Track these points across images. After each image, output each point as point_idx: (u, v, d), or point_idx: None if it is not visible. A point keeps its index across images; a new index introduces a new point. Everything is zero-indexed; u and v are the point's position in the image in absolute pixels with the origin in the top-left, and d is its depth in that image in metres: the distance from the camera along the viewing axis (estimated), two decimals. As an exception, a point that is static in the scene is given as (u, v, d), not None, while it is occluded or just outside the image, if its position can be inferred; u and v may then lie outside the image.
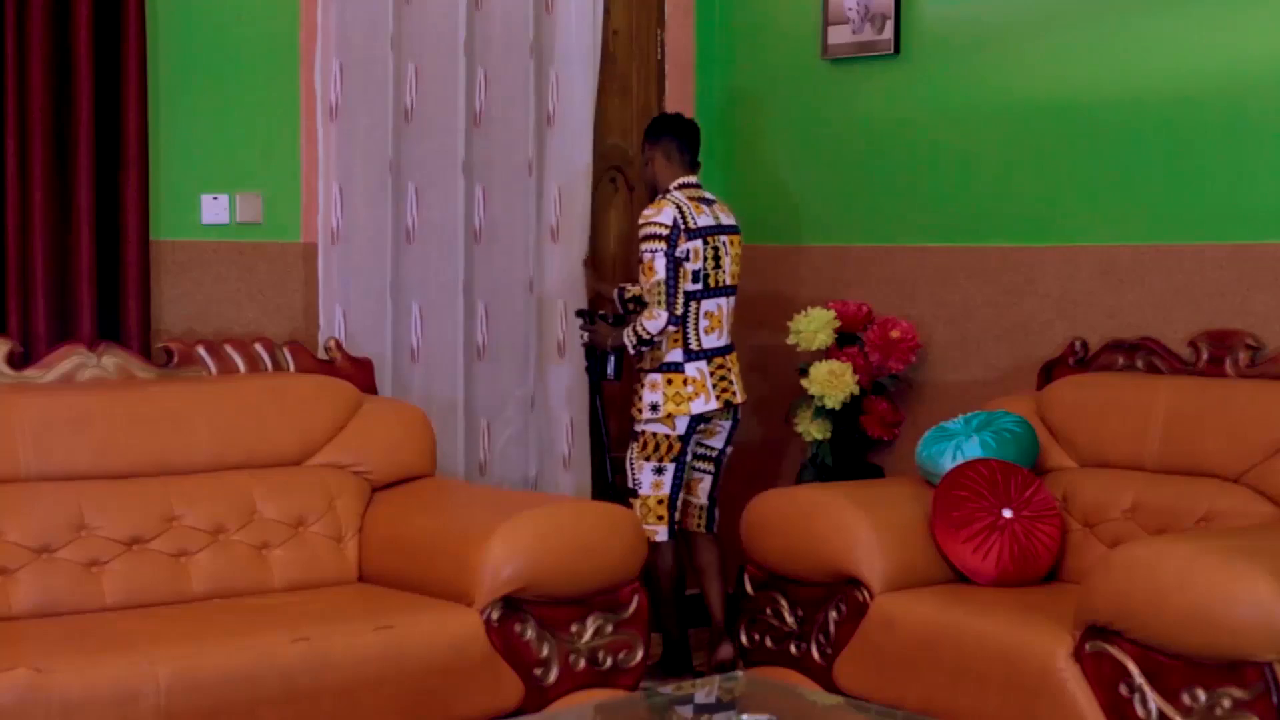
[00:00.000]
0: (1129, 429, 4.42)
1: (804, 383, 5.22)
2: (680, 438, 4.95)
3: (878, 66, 5.42)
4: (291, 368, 4.66)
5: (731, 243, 5.03)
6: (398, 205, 5.05)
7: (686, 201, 4.93)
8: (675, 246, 4.85)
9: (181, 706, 3.50)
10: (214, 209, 4.78)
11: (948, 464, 4.48)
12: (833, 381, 5.12)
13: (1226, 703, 3.44)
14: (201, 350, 4.55)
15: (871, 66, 5.45)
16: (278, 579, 4.27)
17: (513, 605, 4.03)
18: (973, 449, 4.47)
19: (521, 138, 5.29)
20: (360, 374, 4.72)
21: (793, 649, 4.42)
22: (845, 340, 5.26)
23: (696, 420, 4.95)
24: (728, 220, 5.06)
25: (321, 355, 4.76)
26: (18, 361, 4.26)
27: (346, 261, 4.94)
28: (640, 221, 4.91)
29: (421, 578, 4.16)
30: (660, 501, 4.98)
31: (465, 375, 5.20)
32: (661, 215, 4.86)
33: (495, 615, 4.00)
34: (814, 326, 5.21)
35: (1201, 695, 3.49)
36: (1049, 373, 4.81)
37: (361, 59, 4.93)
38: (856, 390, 5.15)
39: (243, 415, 4.41)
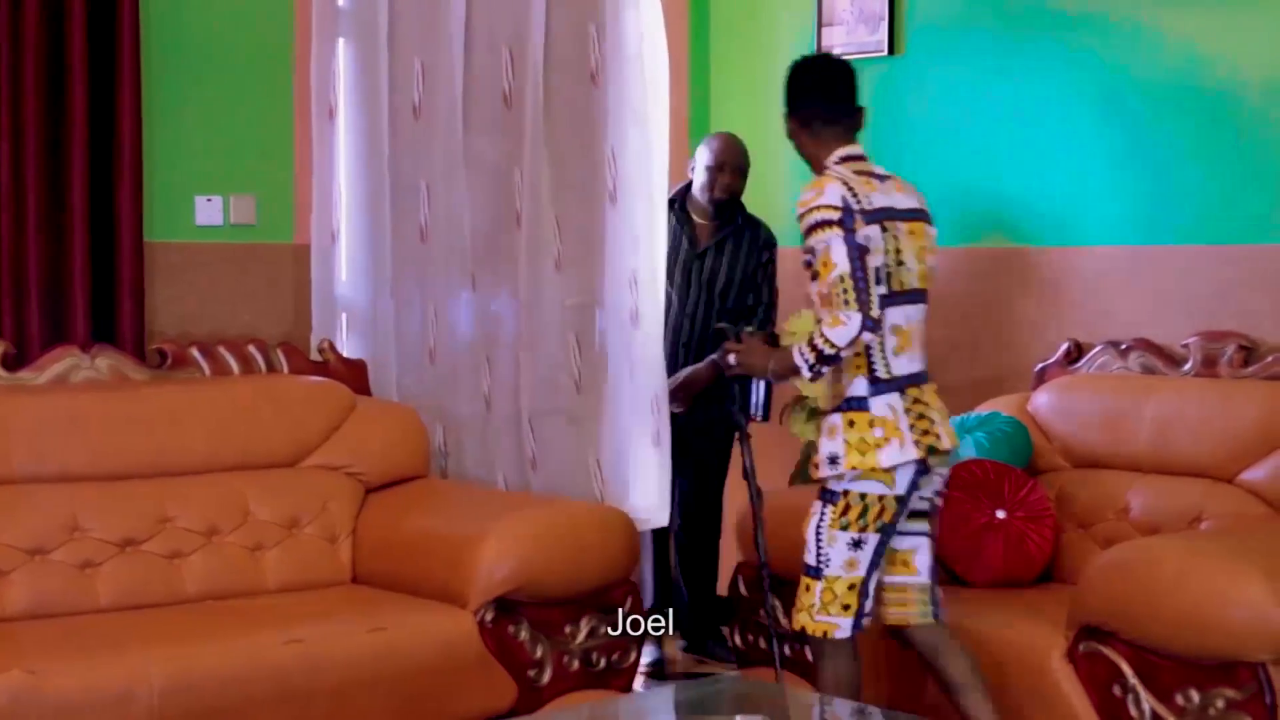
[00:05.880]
0: (1123, 430, 4.42)
1: (796, 383, 5.20)
2: (899, 498, 3.64)
3: (872, 67, 5.42)
4: (285, 369, 4.65)
5: (913, 232, 3.75)
6: (407, 203, 4.95)
7: (853, 177, 3.71)
8: (853, 232, 3.61)
9: (175, 708, 3.50)
10: (208, 210, 4.77)
11: (942, 465, 4.48)
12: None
13: (1220, 703, 3.44)
14: (195, 352, 4.55)
15: (865, 67, 5.44)
16: (271, 580, 4.27)
17: (506, 606, 4.02)
18: (966, 449, 4.46)
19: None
20: (354, 375, 4.71)
21: (786, 650, 4.42)
22: (840, 341, 5.24)
23: (920, 470, 3.66)
24: (907, 203, 3.78)
25: (315, 357, 4.75)
26: (11, 363, 4.25)
27: (349, 262, 4.90)
28: (798, 212, 3.68)
29: (415, 579, 4.16)
30: (852, 587, 3.67)
31: (487, 378, 5.08)
32: (825, 196, 3.63)
33: (489, 616, 4.00)
34: (806, 326, 5.18)
35: (1195, 696, 3.49)
36: (1043, 373, 4.81)
37: (358, 58, 4.91)
38: (851, 391, 5.13)
39: (236, 417, 4.41)
